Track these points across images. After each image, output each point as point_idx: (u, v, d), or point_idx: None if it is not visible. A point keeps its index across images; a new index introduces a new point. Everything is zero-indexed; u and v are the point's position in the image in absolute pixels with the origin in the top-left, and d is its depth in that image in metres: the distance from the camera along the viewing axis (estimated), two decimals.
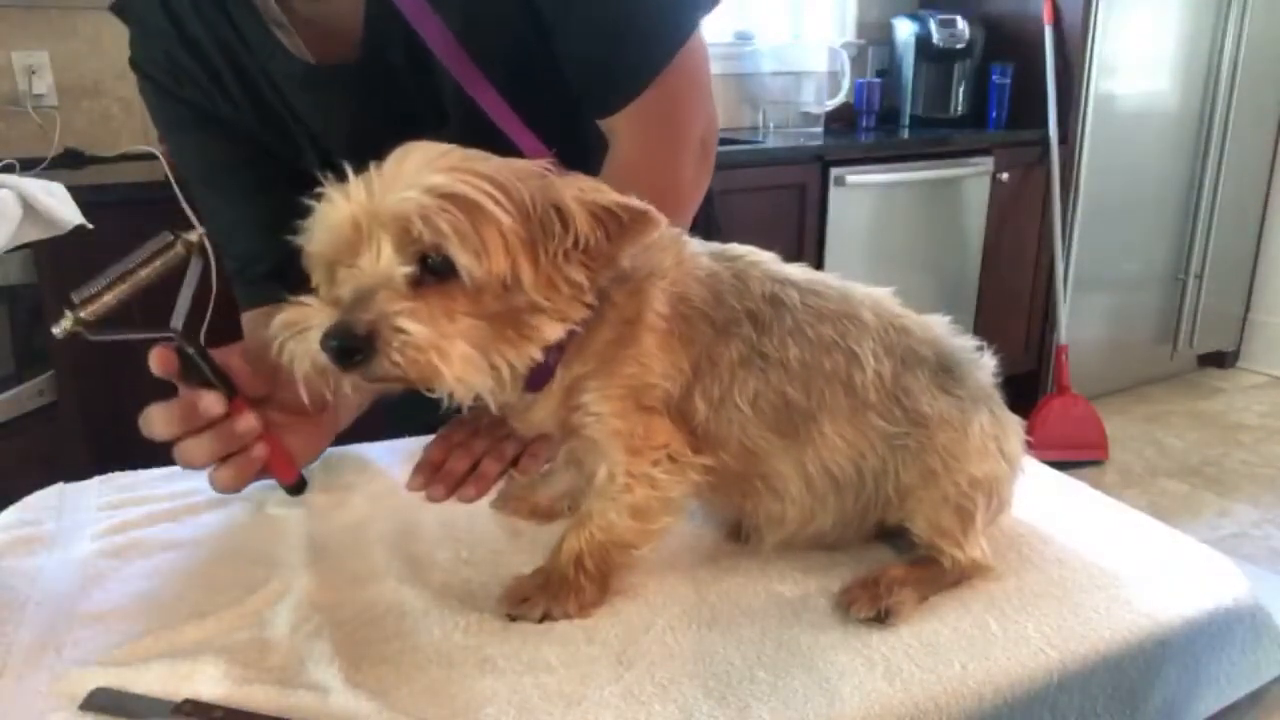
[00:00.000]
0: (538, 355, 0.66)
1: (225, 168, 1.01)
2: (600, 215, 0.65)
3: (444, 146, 0.66)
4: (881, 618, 0.70)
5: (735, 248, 0.78)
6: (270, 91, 0.96)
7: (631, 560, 0.75)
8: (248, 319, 1.05)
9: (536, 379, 0.71)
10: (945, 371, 0.76)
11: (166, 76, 0.96)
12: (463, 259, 0.61)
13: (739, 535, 0.82)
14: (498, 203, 0.62)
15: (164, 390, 0.79)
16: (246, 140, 0.99)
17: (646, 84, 0.92)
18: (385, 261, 0.63)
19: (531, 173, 0.66)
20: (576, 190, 0.65)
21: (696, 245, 0.76)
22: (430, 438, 0.99)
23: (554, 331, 0.66)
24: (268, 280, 0.99)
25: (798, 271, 0.77)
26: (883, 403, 0.74)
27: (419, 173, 0.63)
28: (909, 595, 0.72)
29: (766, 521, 0.77)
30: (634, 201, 0.65)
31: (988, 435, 0.76)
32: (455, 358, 0.62)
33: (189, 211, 1.80)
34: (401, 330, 0.60)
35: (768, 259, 0.77)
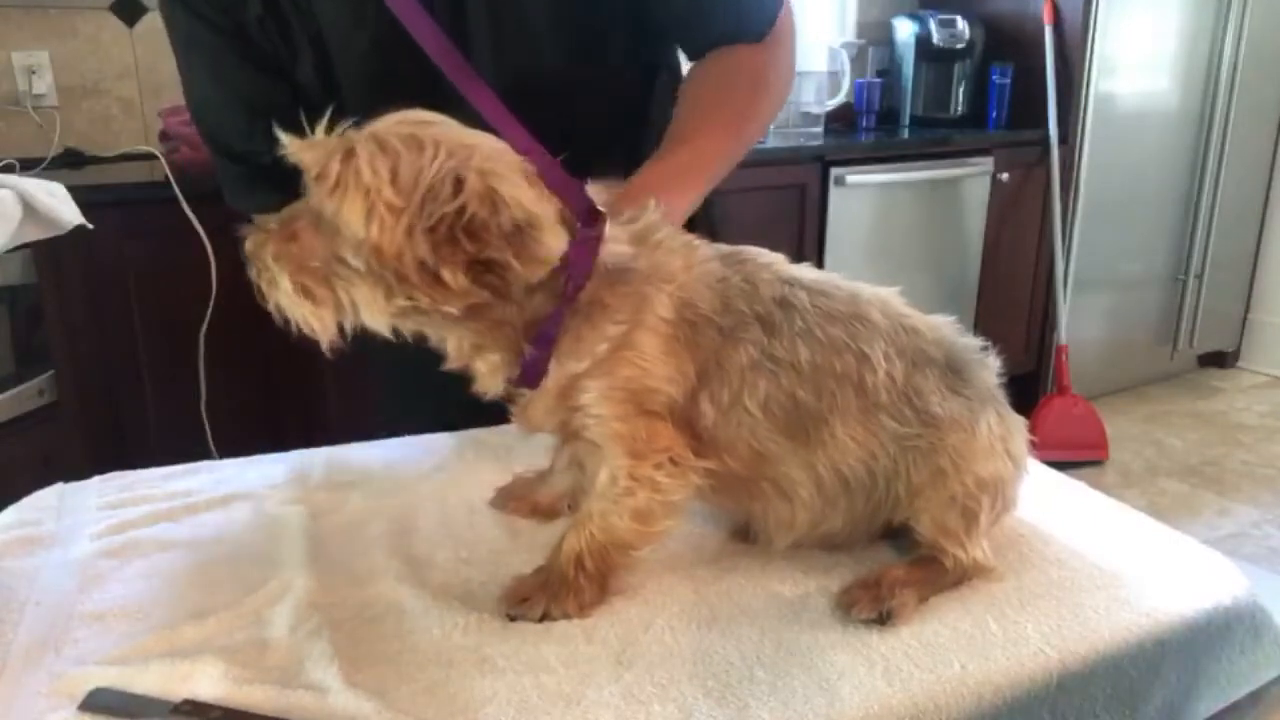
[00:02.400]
0: (390, 321, 0.68)
1: (238, 76, 0.98)
2: (496, 200, 0.63)
3: (415, 115, 0.68)
4: (883, 619, 0.70)
5: (745, 250, 0.77)
6: None
7: (631, 561, 0.75)
8: None
9: (531, 374, 0.71)
10: (953, 372, 0.76)
11: None
12: (312, 195, 0.66)
13: (746, 536, 0.81)
14: (377, 162, 0.63)
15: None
16: (259, 47, 0.97)
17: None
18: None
19: (472, 148, 0.65)
20: (487, 168, 0.64)
21: (708, 249, 0.76)
22: (430, 436, 0.99)
23: (395, 304, 0.66)
24: (281, 182, 0.99)
25: (806, 272, 0.77)
26: (894, 404, 0.73)
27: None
28: (910, 596, 0.72)
29: (776, 524, 0.77)
30: (537, 209, 0.64)
31: (995, 436, 0.76)
32: (282, 288, 0.68)
33: (189, 212, 1.80)
34: (251, 249, 0.70)
35: (777, 260, 0.77)
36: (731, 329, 0.72)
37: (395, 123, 0.66)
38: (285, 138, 0.67)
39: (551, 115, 0.93)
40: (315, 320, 0.68)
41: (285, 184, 0.97)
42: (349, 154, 0.64)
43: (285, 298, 0.68)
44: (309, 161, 0.65)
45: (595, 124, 1.03)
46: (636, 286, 0.71)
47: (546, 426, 0.76)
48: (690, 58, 1.04)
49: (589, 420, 0.71)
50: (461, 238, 0.62)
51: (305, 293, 0.68)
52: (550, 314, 0.69)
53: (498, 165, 0.65)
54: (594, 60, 0.99)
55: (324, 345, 0.69)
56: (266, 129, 0.97)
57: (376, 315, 0.67)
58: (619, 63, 1.01)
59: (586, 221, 0.70)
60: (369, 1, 0.90)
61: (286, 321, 0.69)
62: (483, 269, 0.64)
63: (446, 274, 0.63)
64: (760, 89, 1.02)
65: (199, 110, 1.03)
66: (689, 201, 0.93)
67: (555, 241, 0.65)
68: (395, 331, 0.71)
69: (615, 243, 0.72)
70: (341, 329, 0.69)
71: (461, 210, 0.62)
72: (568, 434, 0.75)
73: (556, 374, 0.71)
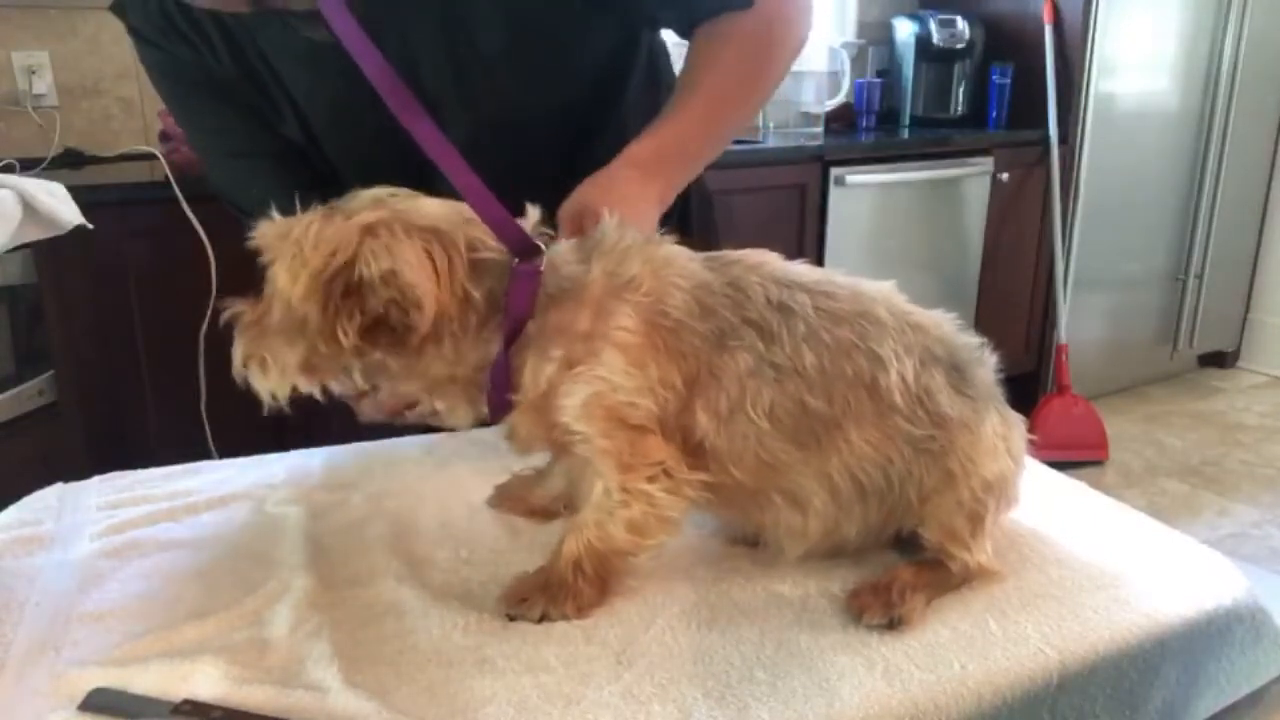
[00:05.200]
0: (315, 381, 0.72)
1: (224, 128, 1.00)
2: (359, 253, 0.65)
3: (383, 191, 0.70)
4: (893, 625, 0.69)
5: (731, 253, 0.75)
6: (253, 50, 0.95)
7: (630, 565, 0.74)
8: None
9: (496, 411, 0.73)
10: (956, 370, 0.75)
11: (157, 32, 0.95)
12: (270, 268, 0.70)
13: (747, 540, 0.81)
14: (310, 230, 0.67)
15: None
16: (243, 101, 0.98)
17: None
18: None
19: (394, 211, 0.68)
20: (374, 227, 0.66)
21: (678, 251, 0.74)
22: (430, 436, 0.99)
23: (311, 362, 0.70)
24: None
25: (805, 272, 0.75)
26: (908, 405, 0.72)
27: None
28: (919, 601, 0.71)
29: (788, 534, 0.76)
30: (390, 263, 0.65)
31: (998, 435, 0.75)
32: (239, 352, 0.72)
33: (189, 212, 1.80)
34: (228, 316, 0.74)
35: (768, 261, 0.75)
36: (719, 336, 0.70)
37: (354, 199, 0.70)
38: (258, 225, 0.70)
39: (529, 137, 0.93)
40: (261, 384, 0.72)
41: None
42: (290, 227, 0.68)
43: (239, 363, 0.72)
44: (263, 242, 0.69)
45: (573, 133, 1.03)
46: (592, 301, 0.69)
47: (536, 447, 0.76)
48: (681, 36, 1.02)
49: (573, 437, 0.70)
50: (338, 291, 0.65)
51: (259, 363, 0.71)
52: (496, 358, 0.70)
53: (391, 229, 0.66)
54: (563, 75, 0.98)
55: (268, 405, 0.73)
56: (265, 176, 0.99)
57: (300, 376, 0.71)
58: (589, 67, 1.00)
59: (523, 257, 0.70)
60: (325, 55, 0.90)
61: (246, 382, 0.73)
62: (374, 325, 0.66)
63: (339, 330, 0.66)
64: (755, 53, 0.99)
65: (209, 169, 1.06)
66: (679, 174, 0.93)
67: (420, 288, 0.65)
68: None
69: (562, 264, 0.71)
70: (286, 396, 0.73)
71: (343, 266, 0.65)
72: (558, 449, 0.74)
73: (526, 393, 0.71)
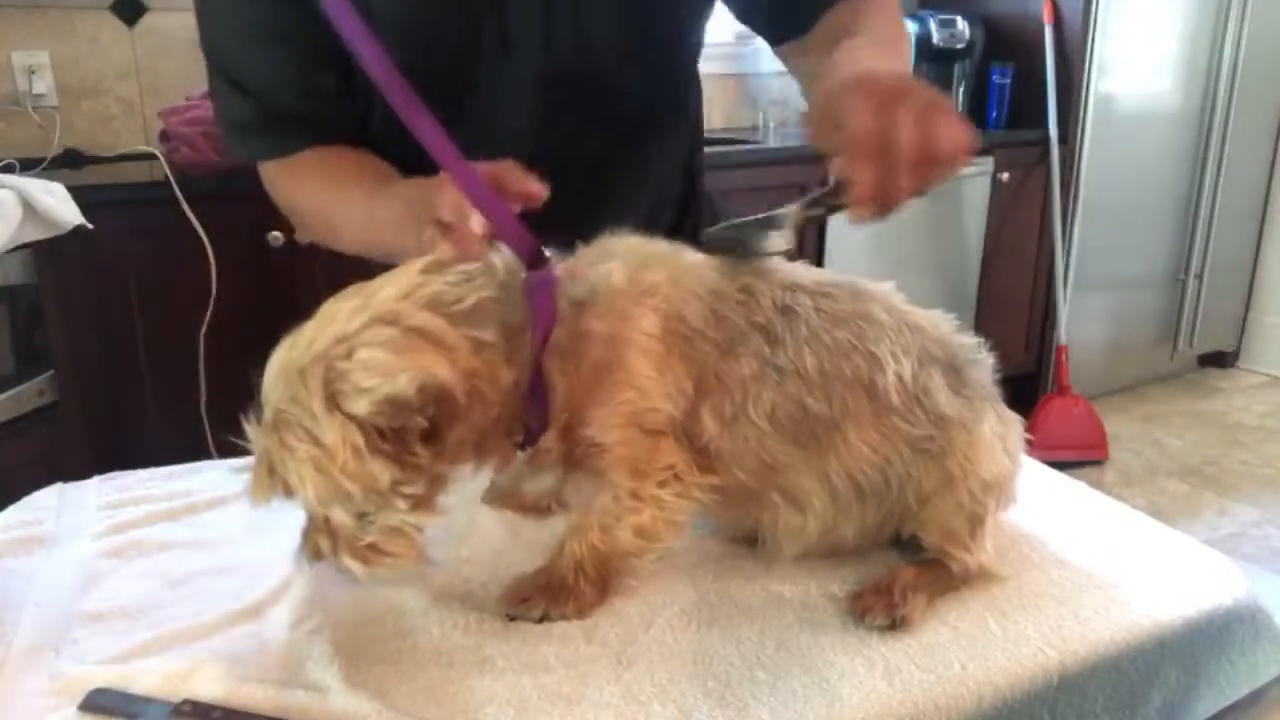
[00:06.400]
0: (434, 516, 0.67)
1: (254, 3, 0.91)
2: (341, 394, 0.60)
3: (295, 341, 0.65)
4: (895, 625, 0.69)
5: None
6: None
7: (631, 567, 0.74)
8: (285, 170, 0.95)
9: (536, 434, 0.71)
10: (953, 371, 0.75)
11: None
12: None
13: (748, 540, 0.81)
14: (287, 443, 0.63)
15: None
16: None
17: None
18: None
19: (348, 332, 0.62)
20: (338, 372, 0.61)
21: (693, 256, 0.74)
22: None
23: (412, 505, 0.65)
24: (293, 128, 0.93)
25: (805, 273, 0.75)
26: (905, 405, 0.72)
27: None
28: (921, 601, 0.71)
29: (786, 533, 0.76)
30: (386, 381, 0.59)
31: (995, 435, 0.75)
32: (357, 570, 0.67)
33: (189, 212, 1.80)
34: (314, 557, 0.69)
35: (775, 264, 0.75)
36: (729, 342, 0.70)
37: (279, 374, 0.64)
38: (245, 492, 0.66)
39: (595, 110, 0.91)
40: (404, 563, 0.67)
41: (293, 130, 0.94)
42: (271, 468, 0.64)
43: (366, 573, 0.67)
44: (260, 500, 0.65)
45: (637, 118, 1.02)
46: (616, 306, 0.69)
47: (550, 465, 0.75)
48: (792, 35, 1.02)
49: (592, 449, 0.70)
50: (374, 434, 0.61)
51: (373, 553, 0.66)
52: (531, 377, 0.68)
53: (340, 372, 0.61)
54: (646, 55, 0.96)
55: (426, 564, 0.70)
56: (285, 64, 0.94)
57: (417, 518, 0.65)
58: (670, 52, 0.99)
59: (533, 265, 0.68)
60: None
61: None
62: (430, 433, 0.62)
63: (411, 459, 0.62)
64: (892, 10, 0.96)
65: (213, 39, 0.95)
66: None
67: (425, 373, 0.60)
68: None
69: (578, 270, 0.70)
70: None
71: (350, 418, 0.60)
72: (572, 464, 0.73)
73: (562, 417, 0.70)
